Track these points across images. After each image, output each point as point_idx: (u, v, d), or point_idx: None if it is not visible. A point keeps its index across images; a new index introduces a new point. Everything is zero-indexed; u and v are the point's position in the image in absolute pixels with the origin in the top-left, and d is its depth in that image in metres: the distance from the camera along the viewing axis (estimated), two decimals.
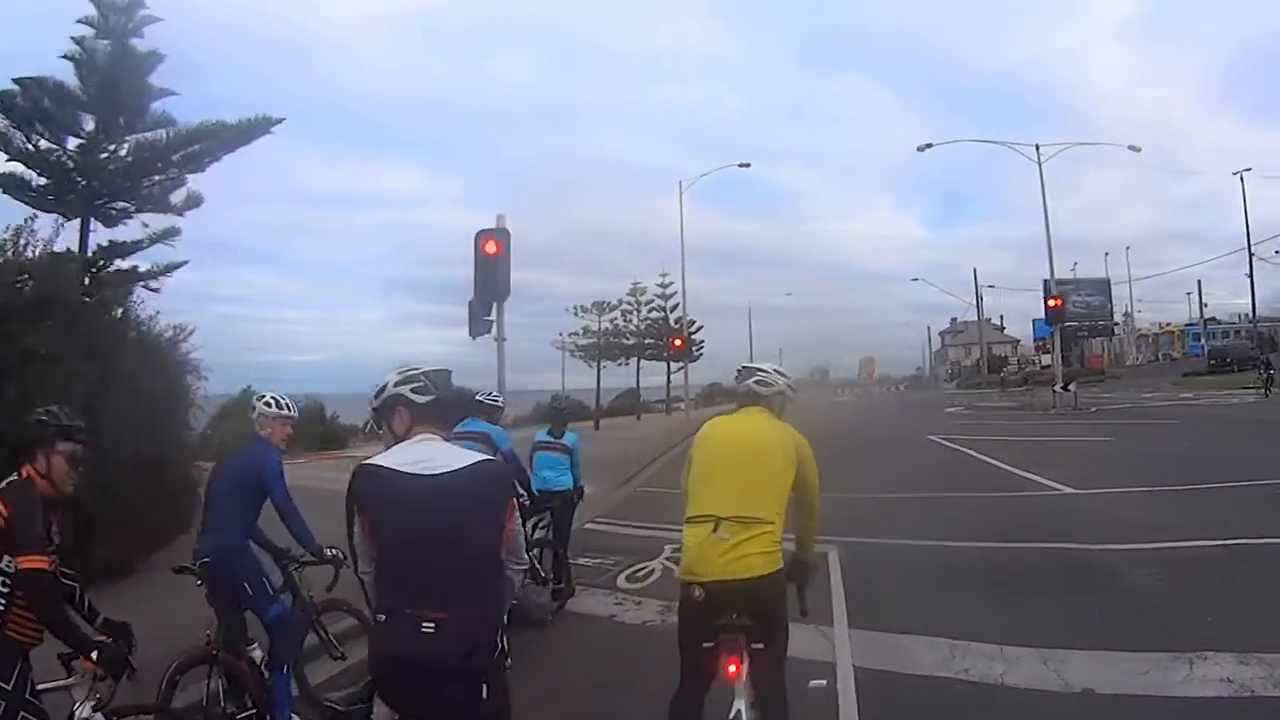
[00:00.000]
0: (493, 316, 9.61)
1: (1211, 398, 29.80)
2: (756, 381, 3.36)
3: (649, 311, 51.22)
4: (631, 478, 15.28)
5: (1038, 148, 29.61)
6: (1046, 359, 61.35)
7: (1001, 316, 78.00)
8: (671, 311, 48.34)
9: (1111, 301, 55.63)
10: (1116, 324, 59.07)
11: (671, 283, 46.64)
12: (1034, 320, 60.92)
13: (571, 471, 6.77)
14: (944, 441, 18.95)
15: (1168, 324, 72.26)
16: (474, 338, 9.75)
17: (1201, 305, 65.22)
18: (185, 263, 11.35)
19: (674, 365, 44.95)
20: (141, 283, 10.86)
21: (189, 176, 11.23)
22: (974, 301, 62.71)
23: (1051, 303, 30.36)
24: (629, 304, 50.43)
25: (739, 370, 3.47)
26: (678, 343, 38.93)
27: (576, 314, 47.57)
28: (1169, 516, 8.59)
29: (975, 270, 63.02)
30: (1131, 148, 30.84)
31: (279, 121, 11.41)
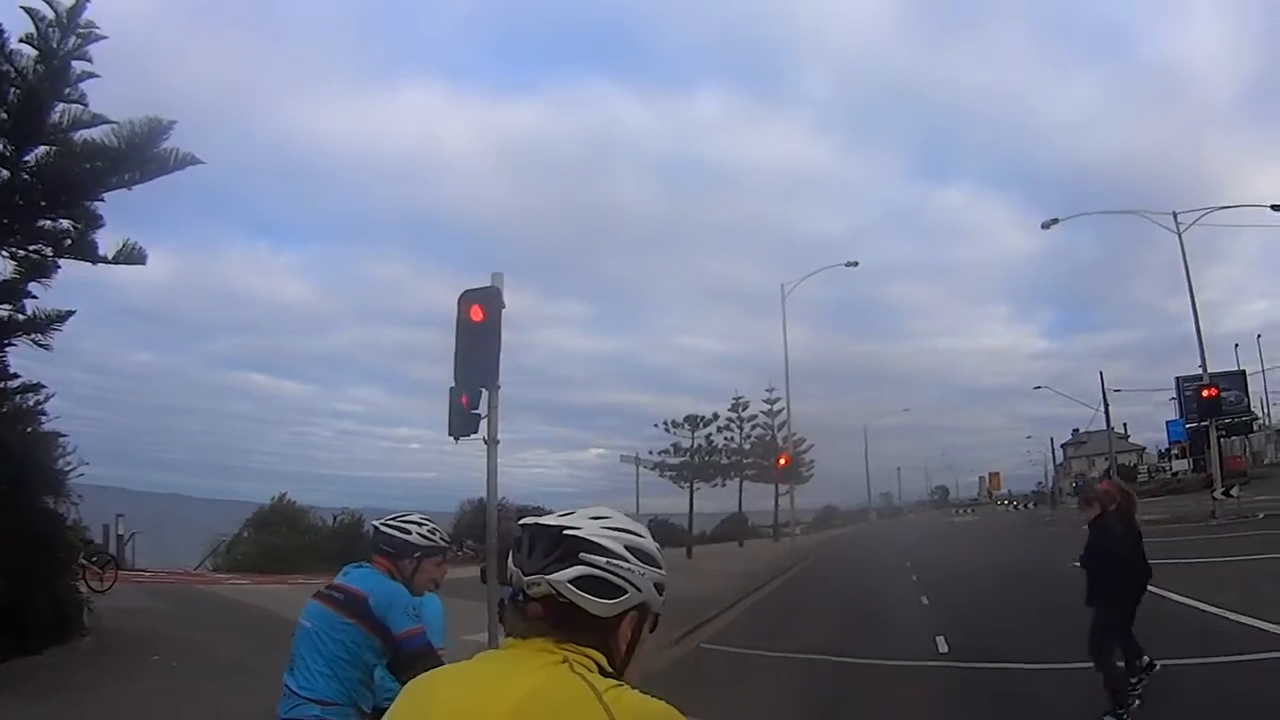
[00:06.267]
0: (482, 410, 7.09)
1: None
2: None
3: (752, 429, 47.76)
4: (699, 626, 11.27)
5: (1175, 215, 26.66)
6: (1178, 465, 56.68)
7: (1125, 424, 70.12)
8: (779, 430, 45.07)
9: (1248, 396, 48.90)
10: (1256, 419, 51.79)
11: (779, 399, 43.27)
12: (1168, 421, 57.09)
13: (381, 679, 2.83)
14: None
15: None
16: (455, 439, 7.20)
17: None
18: (73, 312, 8.92)
19: (783, 489, 42.05)
20: (24, 334, 8.49)
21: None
22: (1098, 409, 55.35)
23: (1206, 393, 27.04)
24: (731, 420, 46.85)
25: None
26: (782, 461, 36.38)
27: (668, 429, 43.29)
28: None
29: (1101, 374, 57.08)
30: (1274, 207, 24.96)
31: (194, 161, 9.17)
